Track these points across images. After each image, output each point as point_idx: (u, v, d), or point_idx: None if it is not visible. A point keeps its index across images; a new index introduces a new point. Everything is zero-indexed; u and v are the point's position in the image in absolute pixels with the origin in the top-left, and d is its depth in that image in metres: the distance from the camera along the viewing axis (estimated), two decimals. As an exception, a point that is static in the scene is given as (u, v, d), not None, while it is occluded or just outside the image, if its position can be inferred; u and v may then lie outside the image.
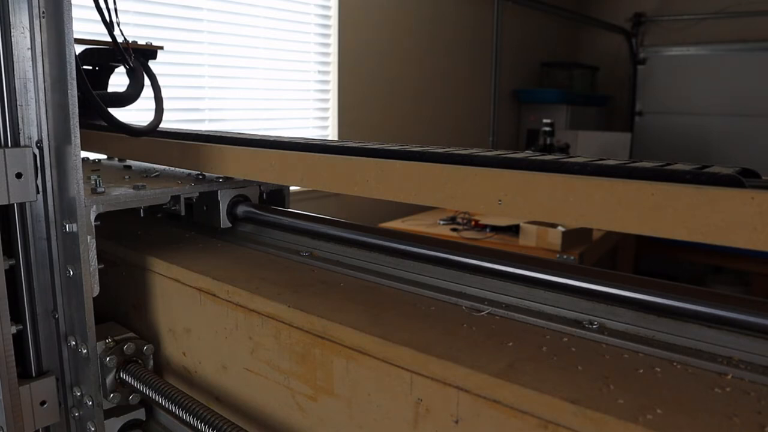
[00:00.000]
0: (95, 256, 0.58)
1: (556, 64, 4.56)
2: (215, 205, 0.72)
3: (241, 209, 0.73)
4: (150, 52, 0.85)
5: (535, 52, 4.49)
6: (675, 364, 0.37)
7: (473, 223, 2.62)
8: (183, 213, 0.73)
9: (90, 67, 0.94)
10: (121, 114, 0.80)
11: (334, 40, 2.91)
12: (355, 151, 0.58)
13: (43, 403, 0.61)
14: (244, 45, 2.56)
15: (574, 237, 2.30)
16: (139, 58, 0.82)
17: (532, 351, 0.39)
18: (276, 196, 0.79)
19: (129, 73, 0.82)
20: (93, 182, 0.61)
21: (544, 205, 0.43)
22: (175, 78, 2.34)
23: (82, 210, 0.56)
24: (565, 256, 2.21)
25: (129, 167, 0.89)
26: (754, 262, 3.44)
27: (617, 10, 4.68)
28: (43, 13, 0.56)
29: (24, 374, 0.61)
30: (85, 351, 0.59)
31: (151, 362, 0.66)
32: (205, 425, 0.52)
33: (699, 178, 0.39)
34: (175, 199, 0.71)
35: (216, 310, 0.59)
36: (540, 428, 0.34)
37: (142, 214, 0.70)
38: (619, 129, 4.72)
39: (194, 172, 0.79)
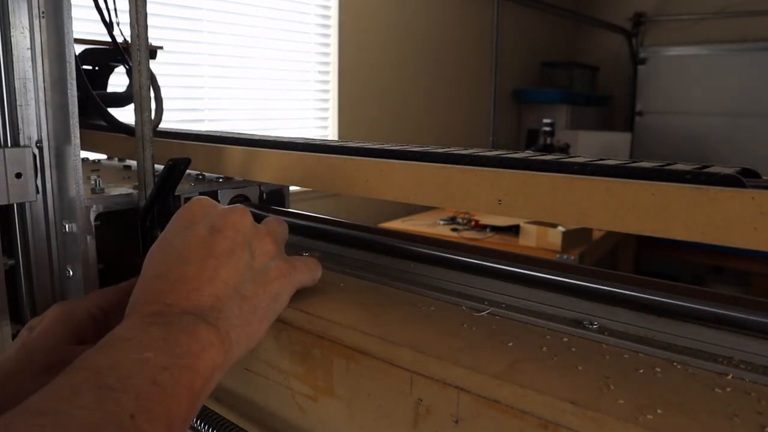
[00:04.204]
0: (95, 256, 0.58)
1: (556, 64, 4.56)
2: (215, 205, 0.72)
3: (241, 209, 0.73)
4: (149, 52, 0.85)
5: (535, 52, 4.49)
6: (675, 364, 0.37)
7: (473, 223, 2.62)
8: (183, 213, 0.72)
9: (90, 67, 0.94)
10: (121, 114, 0.80)
11: (334, 40, 2.91)
12: (355, 151, 0.58)
13: (43, 403, 0.61)
14: (244, 45, 2.56)
15: (574, 237, 2.30)
16: (139, 58, 0.82)
17: (533, 351, 0.39)
18: (276, 196, 0.79)
19: (129, 73, 0.82)
20: (93, 182, 0.61)
21: (544, 205, 0.43)
22: (175, 78, 2.34)
23: (82, 210, 0.57)
24: (565, 256, 2.21)
25: (129, 167, 0.89)
26: (754, 262, 3.44)
27: (617, 10, 4.68)
28: (43, 13, 0.56)
29: (24, 374, 0.61)
30: (85, 351, 0.59)
31: (151, 362, 0.66)
32: (205, 425, 0.52)
33: (699, 178, 0.39)
34: (175, 199, 0.71)
35: (216, 310, 0.59)
36: (540, 428, 0.34)
37: (142, 214, 0.70)
38: (619, 129, 4.72)
39: (194, 172, 0.79)
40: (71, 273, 0.58)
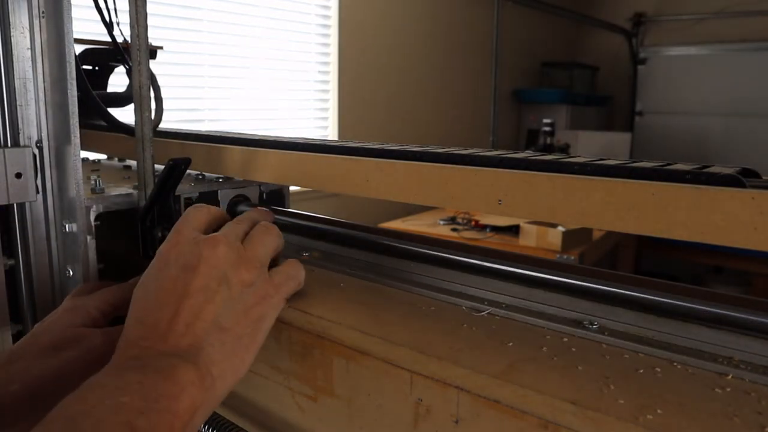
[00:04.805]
0: (95, 256, 0.58)
1: (556, 64, 4.56)
2: (215, 205, 0.72)
3: (241, 209, 0.73)
4: (149, 52, 0.85)
5: (535, 52, 4.48)
6: (675, 364, 0.37)
7: (473, 223, 2.62)
8: (183, 213, 0.72)
9: (90, 67, 0.94)
10: (121, 114, 0.80)
11: (334, 40, 2.91)
12: (355, 151, 0.58)
13: (43, 403, 0.61)
14: (244, 45, 2.56)
15: (574, 237, 2.30)
16: (139, 58, 0.82)
17: (533, 351, 0.39)
18: (276, 196, 0.79)
19: (129, 73, 0.82)
20: (93, 182, 0.61)
21: (544, 205, 0.43)
22: (175, 78, 2.34)
23: (82, 210, 0.57)
24: (565, 256, 2.21)
25: (129, 167, 0.89)
26: (755, 262, 3.44)
27: (617, 10, 4.68)
28: (43, 13, 0.56)
29: (24, 374, 0.61)
30: (85, 351, 0.59)
31: (151, 362, 0.66)
32: (205, 425, 0.52)
33: (699, 178, 0.39)
34: (175, 199, 0.71)
35: (216, 310, 0.59)
36: (540, 428, 0.34)
37: (142, 214, 0.70)
38: (619, 129, 4.72)
39: (194, 172, 0.79)
40: (71, 273, 0.58)
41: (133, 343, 0.39)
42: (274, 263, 0.48)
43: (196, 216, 0.46)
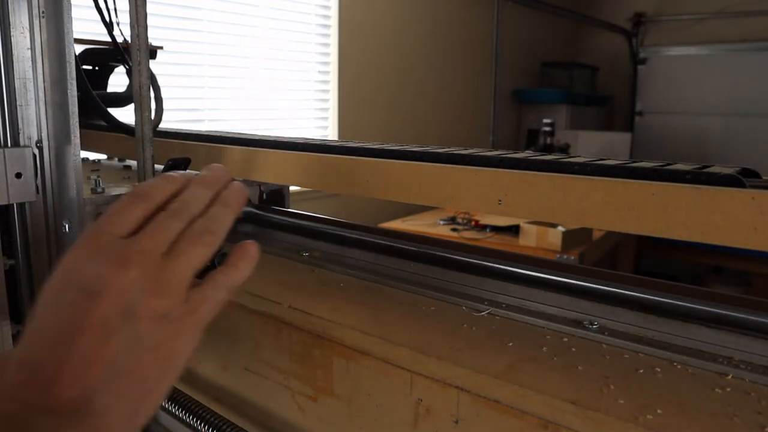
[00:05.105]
0: (95, 256, 0.58)
1: (556, 64, 4.56)
2: (215, 205, 0.72)
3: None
4: (149, 52, 0.85)
5: (535, 52, 4.48)
6: (675, 364, 0.37)
7: (473, 223, 2.62)
8: (183, 213, 0.72)
9: (90, 67, 0.94)
10: (121, 114, 0.80)
11: (334, 40, 2.91)
12: (355, 151, 0.58)
13: (43, 403, 0.60)
14: (244, 45, 2.56)
15: (574, 237, 2.30)
16: (139, 58, 0.82)
17: (533, 351, 0.39)
18: (276, 196, 0.79)
19: (129, 73, 0.82)
20: (93, 182, 0.61)
21: (544, 205, 0.43)
22: (175, 78, 2.34)
23: (82, 210, 0.57)
24: (565, 256, 2.21)
25: (129, 167, 0.89)
26: (755, 262, 3.43)
27: (617, 10, 4.68)
28: (43, 13, 0.56)
29: (24, 374, 0.60)
30: (85, 351, 0.59)
31: (151, 362, 0.66)
32: (205, 425, 0.52)
33: (699, 178, 0.39)
34: (175, 199, 0.71)
35: (216, 310, 0.59)
36: (540, 428, 0.34)
37: (142, 214, 0.70)
38: (619, 129, 4.72)
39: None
40: (71, 273, 0.58)
41: (12, 395, 0.32)
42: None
43: (128, 212, 0.36)
